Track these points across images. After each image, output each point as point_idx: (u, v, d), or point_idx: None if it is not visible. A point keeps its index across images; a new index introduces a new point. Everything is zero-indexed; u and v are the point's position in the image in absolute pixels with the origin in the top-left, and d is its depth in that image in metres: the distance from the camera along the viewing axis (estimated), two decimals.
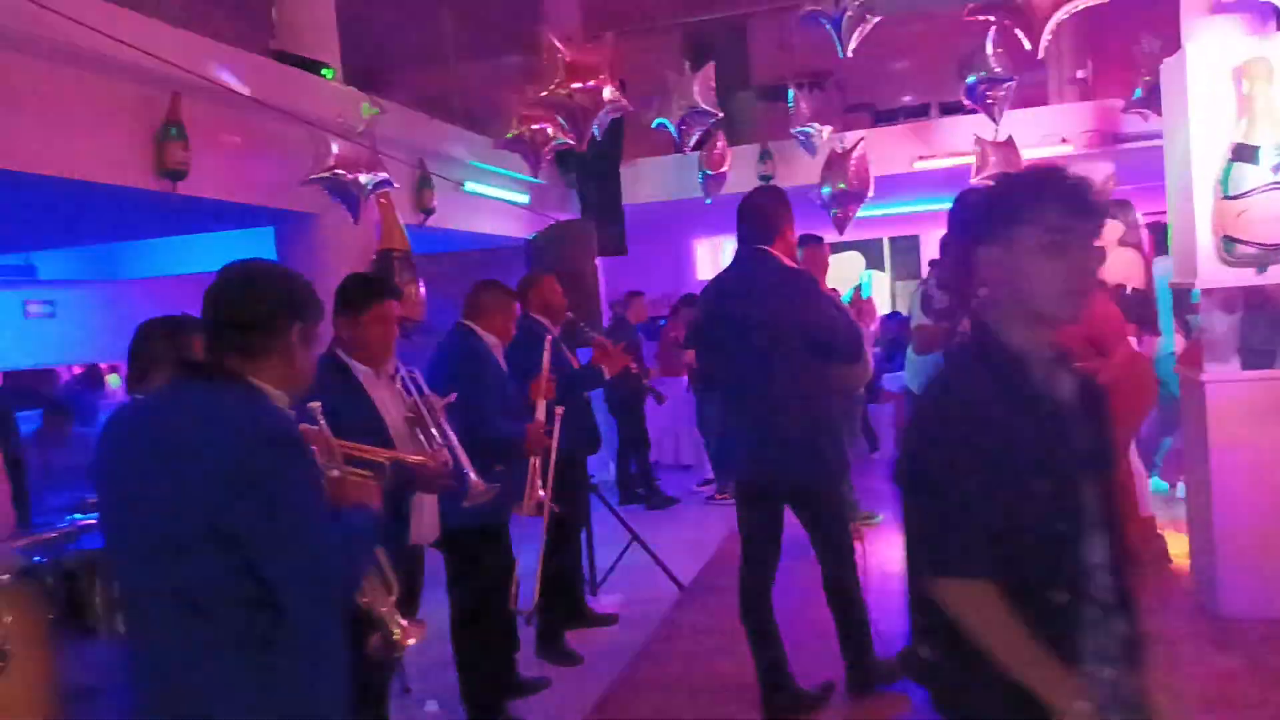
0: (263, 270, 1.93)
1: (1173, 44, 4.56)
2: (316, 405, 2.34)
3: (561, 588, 4.57)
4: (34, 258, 8.30)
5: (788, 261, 3.64)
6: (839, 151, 7.30)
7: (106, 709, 3.15)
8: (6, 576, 2.61)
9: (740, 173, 8.03)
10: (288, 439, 1.78)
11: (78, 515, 3.86)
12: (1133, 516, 4.84)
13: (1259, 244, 4.06)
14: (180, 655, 1.76)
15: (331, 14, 6.03)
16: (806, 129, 7.52)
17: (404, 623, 2.35)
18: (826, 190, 7.31)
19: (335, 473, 2.10)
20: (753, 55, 10.41)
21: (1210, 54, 4.20)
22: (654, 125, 6.74)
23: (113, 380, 10.05)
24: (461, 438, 3.16)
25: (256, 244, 5.85)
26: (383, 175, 5.47)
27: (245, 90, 4.82)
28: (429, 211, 6.55)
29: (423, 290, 5.95)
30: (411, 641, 2.36)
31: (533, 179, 6.98)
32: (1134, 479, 5.00)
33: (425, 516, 3.19)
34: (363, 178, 5.29)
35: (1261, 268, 4.13)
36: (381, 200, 5.74)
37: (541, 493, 3.93)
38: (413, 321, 5.54)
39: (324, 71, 5.60)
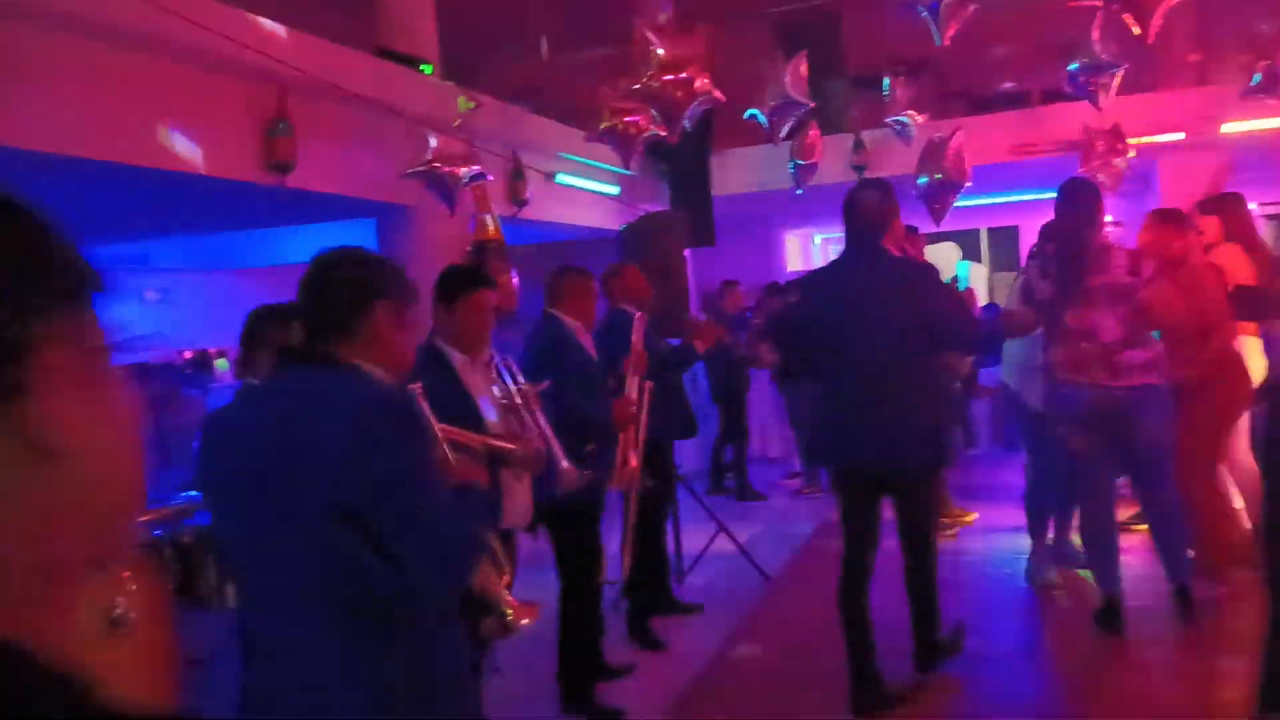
0: (346, 254, 1.96)
1: None
2: (416, 386, 2.41)
3: (649, 574, 4.63)
4: (148, 247, 8.71)
5: (897, 253, 3.71)
6: (935, 141, 7.15)
7: (214, 681, 3.32)
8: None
9: (832, 163, 7.93)
10: (404, 413, 1.81)
11: (190, 492, 4.08)
12: (1218, 509, 4.66)
13: None
14: (298, 634, 1.77)
15: (431, 10, 6.19)
16: (901, 118, 7.39)
17: (517, 604, 2.37)
18: (923, 180, 7.17)
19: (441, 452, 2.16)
20: (846, 43, 10.25)
21: None
22: (745, 116, 6.71)
23: (220, 365, 10.50)
24: (552, 422, 3.24)
25: (359, 236, 6.04)
26: (478, 168, 5.59)
27: (350, 87, 4.99)
28: (522, 203, 6.66)
29: (516, 280, 6.07)
30: (525, 623, 2.37)
31: (624, 170, 7.03)
32: (1230, 474, 4.80)
33: (518, 500, 3.27)
34: (459, 171, 5.41)
35: None
36: (476, 192, 5.87)
37: (634, 465, 4.00)
38: (507, 311, 5.66)
39: (423, 67, 5.75)
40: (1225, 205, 4.95)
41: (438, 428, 2.35)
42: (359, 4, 6.25)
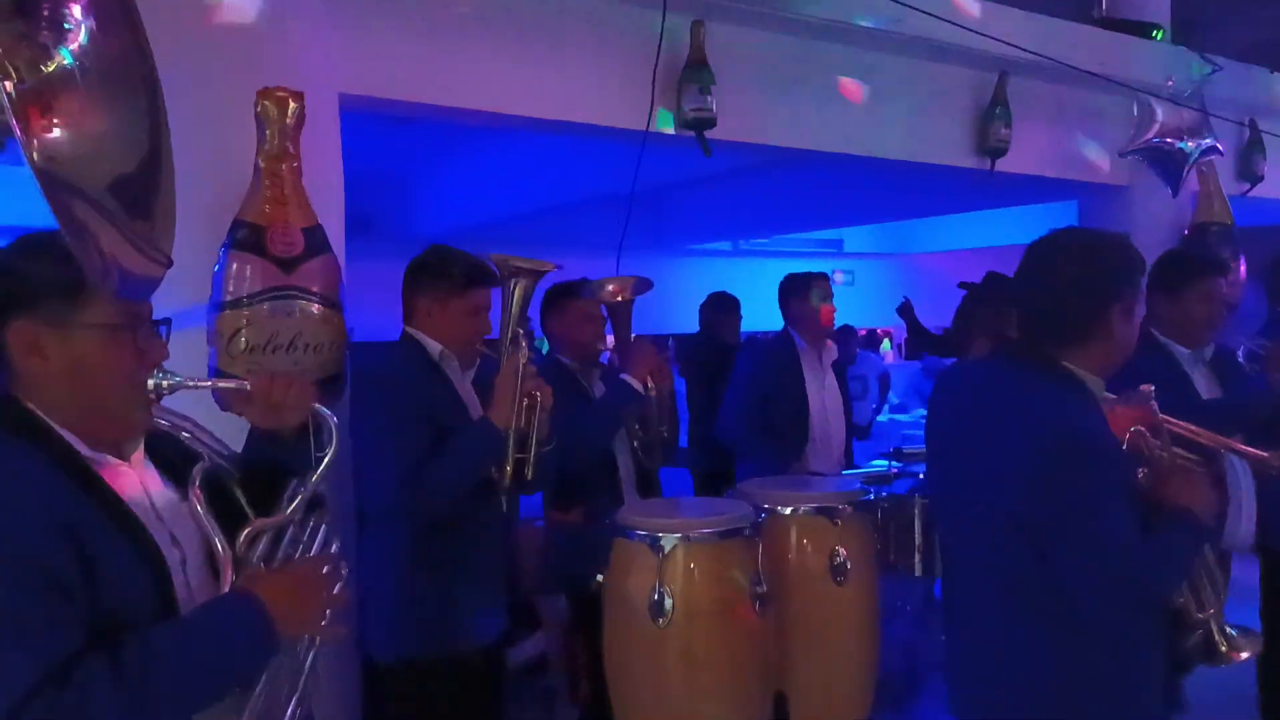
0: (1080, 244, 1.81)
1: None
2: (1149, 389, 2.18)
3: None
4: (843, 233, 9.43)
5: None
6: None
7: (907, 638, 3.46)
8: (843, 505, 2.98)
9: None
10: (1095, 444, 1.68)
11: (894, 462, 4.30)
12: None
13: None
14: (990, 629, 1.78)
15: None
16: None
17: (1232, 632, 2.09)
18: None
19: (1164, 459, 1.92)
20: None
21: None
22: None
23: (884, 346, 11.01)
24: None
25: (1058, 218, 5.75)
26: (1209, 141, 4.92)
27: (1070, 62, 4.73)
28: (1257, 179, 5.71)
29: (1244, 269, 5.24)
30: (1243, 656, 2.08)
31: None
32: None
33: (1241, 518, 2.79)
34: (1187, 145, 4.82)
35: None
36: (1202, 169, 5.18)
37: None
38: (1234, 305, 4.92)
39: (1155, 34, 5.22)
40: None
41: (1169, 424, 2.08)
42: None
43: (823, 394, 4.18)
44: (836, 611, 2.91)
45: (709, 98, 3.54)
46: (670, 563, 2.53)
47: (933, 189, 5.60)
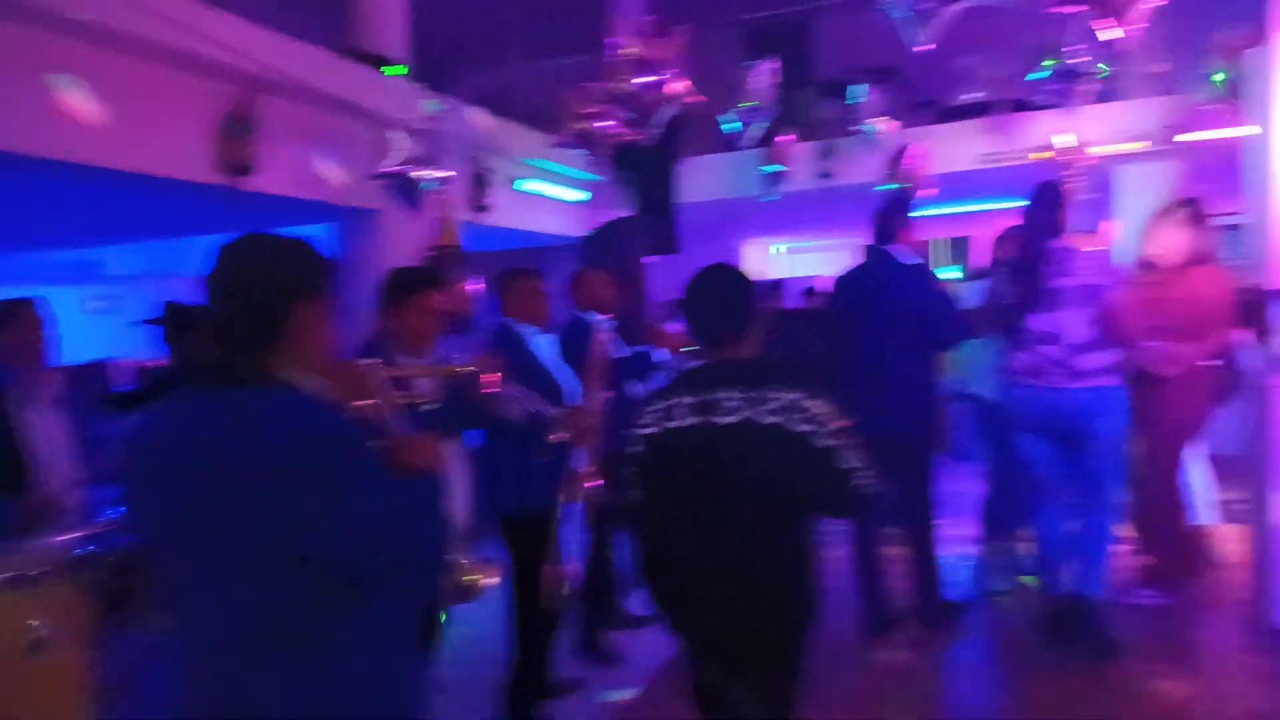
0: (255, 253, 1.75)
1: (1256, 37, 4.37)
2: (374, 362, 2.24)
3: (602, 587, 4.54)
4: (101, 253, 8.50)
5: (905, 258, 4.31)
6: (900, 149, 7.17)
7: (141, 703, 3.14)
8: (43, 571, 2.63)
9: (800, 170, 7.91)
10: (332, 437, 1.67)
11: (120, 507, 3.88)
12: (1173, 521, 4.67)
13: None
14: (240, 654, 1.71)
15: (403, 12, 6.08)
16: (869, 126, 7.39)
17: (474, 564, 2.20)
18: (889, 187, 7.18)
19: (392, 433, 1.96)
20: (817, 50, 10.25)
21: None
22: (720, 122, 6.67)
23: None
24: (509, 429, 3.15)
25: (320, 241, 5.90)
26: (444, 173, 5.49)
27: (316, 86, 4.87)
28: (485, 209, 6.56)
29: (474, 287, 5.94)
30: (487, 581, 2.21)
31: (591, 176, 6.96)
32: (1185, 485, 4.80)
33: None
34: (425, 175, 5.32)
35: None
36: (439, 198, 5.77)
37: (589, 482, 3.87)
38: (462, 317, 5.54)
39: (393, 69, 5.65)
40: (1190, 211, 4.94)
41: (395, 371, 2.16)
42: (330, 4, 6.13)
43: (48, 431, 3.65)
44: (33, 692, 2.54)
45: None
46: None
47: (183, 207, 5.33)
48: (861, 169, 7.59)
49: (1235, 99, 5.00)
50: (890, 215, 4.44)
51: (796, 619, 2.41)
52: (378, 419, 1.99)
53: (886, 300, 4.24)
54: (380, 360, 2.11)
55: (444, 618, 2.93)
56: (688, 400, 2.43)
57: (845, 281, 4.57)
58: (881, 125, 7.33)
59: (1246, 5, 4.47)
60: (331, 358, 1.86)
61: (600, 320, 4.31)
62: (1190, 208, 4.93)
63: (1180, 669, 3.91)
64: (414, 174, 5.38)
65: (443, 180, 5.55)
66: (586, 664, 4.37)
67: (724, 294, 2.51)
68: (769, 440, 2.32)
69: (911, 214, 4.49)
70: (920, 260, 4.44)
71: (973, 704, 3.95)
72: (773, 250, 12.21)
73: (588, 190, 8.03)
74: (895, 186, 7.05)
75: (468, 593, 2.19)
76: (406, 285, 3.14)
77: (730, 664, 2.44)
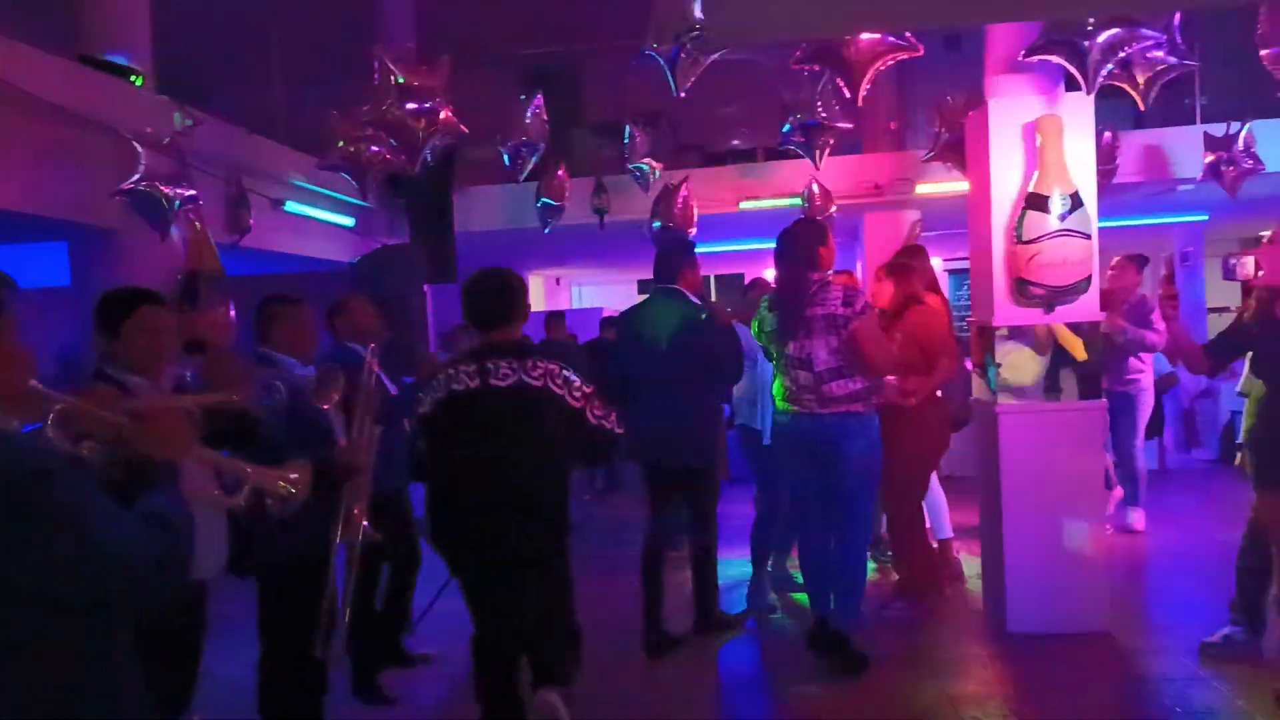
0: None
1: (976, 99, 4.90)
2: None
3: (377, 627, 4.37)
4: None
5: (692, 298, 4.61)
6: (666, 189, 7.48)
7: None
8: None
9: (575, 205, 8.07)
10: (35, 472, 1.51)
11: None
12: (918, 540, 5.10)
13: (1048, 286, 4.40)
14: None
15: (145, 18, 5.68)
16: (640, 165, 7.64)
17: (276, 473, 2.11)
18: (657, 225, 7.46)
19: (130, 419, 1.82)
20: (590, 91, 10.54)
21: (1009, 110, 4.55)
22: (501, 155, 6.69)
23: None
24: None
25: (49, 260, 5.39)
26: (192, 190, 5.16)
27: (49, 97, 4.45)
28: (245, 231, 6.22)
29: (233, 313, 5.60)
30: (296, 479, 2.13)
31: (360, 202, 6.77)
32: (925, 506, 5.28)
33: (213, 545, 2.95)
34: (170, 193, 4.97)
35: (1049, 307, 4.48)
36: (192, 218, 5.41)
37: (361, 522, 3.70)
38: (219, 344, 5.20)
39: (133, 78, 5.25)
40: (914, 257, 5.49)
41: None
42: (60, 11, 5.61)
43: None
44: None
45: None
46: None
47: None
48: (633, 207, 7.84)
49: (959, 156, 5.58)
50: (676, 255, 4.75)
51: (556, 530, 3.26)
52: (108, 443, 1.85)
53: (674, 337, 4.51)
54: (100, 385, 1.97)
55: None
56: (470, 368, 3.21)
57: (633, 317, 4.83)
58: (648, 166, 7.59)
59: (968, 73, 5.01)
60: (19, 381, 1.70)
61: (365, 351, 4.17)
62: (912, 254, 5.50)
63: (927, 674, 4.23)
64: (157, 190, 5.01)
65: (188, 198, 5.20)
66: (362, 707, 4.18)
67: (498, 289, 3.34)
68: (535, 399, 3.14)
69: (694, 255, 4.79)
70: (702, 300, 4.70)
71: (745, 714, 4.12)
72: (558, 280, 12.34)
73: (353, 216, 7.80)
74: (660, 225, 7.35)
75: (286, 501, 2.13)
76: (117, 305, 2.91)
77: (510, 567, 3.18)
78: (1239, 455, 7.41)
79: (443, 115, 4.78)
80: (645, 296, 4.91)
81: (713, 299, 4.85)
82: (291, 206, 6.99)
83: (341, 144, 5.72)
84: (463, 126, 4.95)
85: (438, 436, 3.30)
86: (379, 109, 4.67)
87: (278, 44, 8.01)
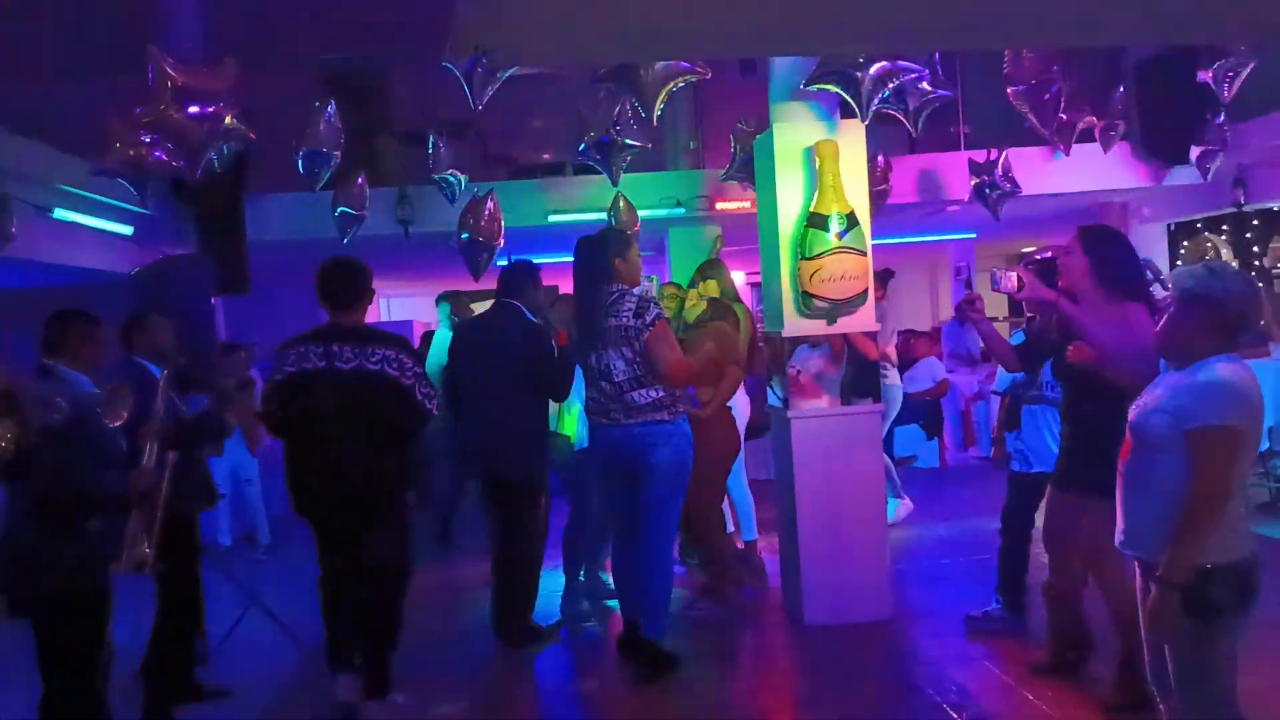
0: None
1: (765, 124, 5.15)
2: None
3: (169, 660, 4.12)
4: None
5: (528, 314, 4.75)
6: (473, 201, 7.45)
7: None
8: None
9: (378, 215, 7.89)
10: None
11: None
12: (720, 541, 5.32)
13: (829, 299, 4.69)
14: None
15: None
16: (446, 176, 7.56)
17: None
18: (465, 236, 7.41)
19: None
20: (398, 98, 10.33)
21: (791, 134, 4.82)
22: (296, 161, 6.45)
23: None
24: (52, 490, 2.90)
25: None
26: None
27: None
28: (7, 239, 5.73)
29: None
30: None
31: (138, 209, 6.37)
32: (735, 509, 5.51)
33: None
34: None
35: (831, 319, 4.77)
36: None
37: (146, 550, 3.49)
38: None
39: None
40: (717, 270, 5.73)
41: None
42: None
43: None
44: None
45: None
46: None
47: None
48: (440, 218, 7.75)
49: (749, 176, 5.86)
50: (519, 273, 4.86)
51: (398, 486, 3.89)
52: None
53: (506, 351, 4.63)
54: None
55: None
56: (318, 349, 3.74)
57: (468, 331, 5.05)
58: (454, 177, 7.54)
59: (759, 98, 5.25)
60: None
61: (157, 371, 3.95)
62: (712, 270, 5.74)
63: (732, 669, 4.41)
64: None
65: None
66: None
67: (346, 276, 3.90)
68: (373, 380, 3.67)
69: (538, 274, 4.88)
70: (539, 318, 4.79)
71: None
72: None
73: (131, 224, 7.32)
74: (469, 238, 7.30)
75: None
76: None
77: (359, 521, 3.79)
78: (993, 448, 8.12)
79: (227, 119, 4.57)
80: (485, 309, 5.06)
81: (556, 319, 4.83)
82: (61, 214, 6.49)
83: (118, 146, 5.37)
84: (250, 133, 4.74)
85: (289, 409, 3.78)
86: (154, 111, 4.41)
87: (49, 37, 7.44)
